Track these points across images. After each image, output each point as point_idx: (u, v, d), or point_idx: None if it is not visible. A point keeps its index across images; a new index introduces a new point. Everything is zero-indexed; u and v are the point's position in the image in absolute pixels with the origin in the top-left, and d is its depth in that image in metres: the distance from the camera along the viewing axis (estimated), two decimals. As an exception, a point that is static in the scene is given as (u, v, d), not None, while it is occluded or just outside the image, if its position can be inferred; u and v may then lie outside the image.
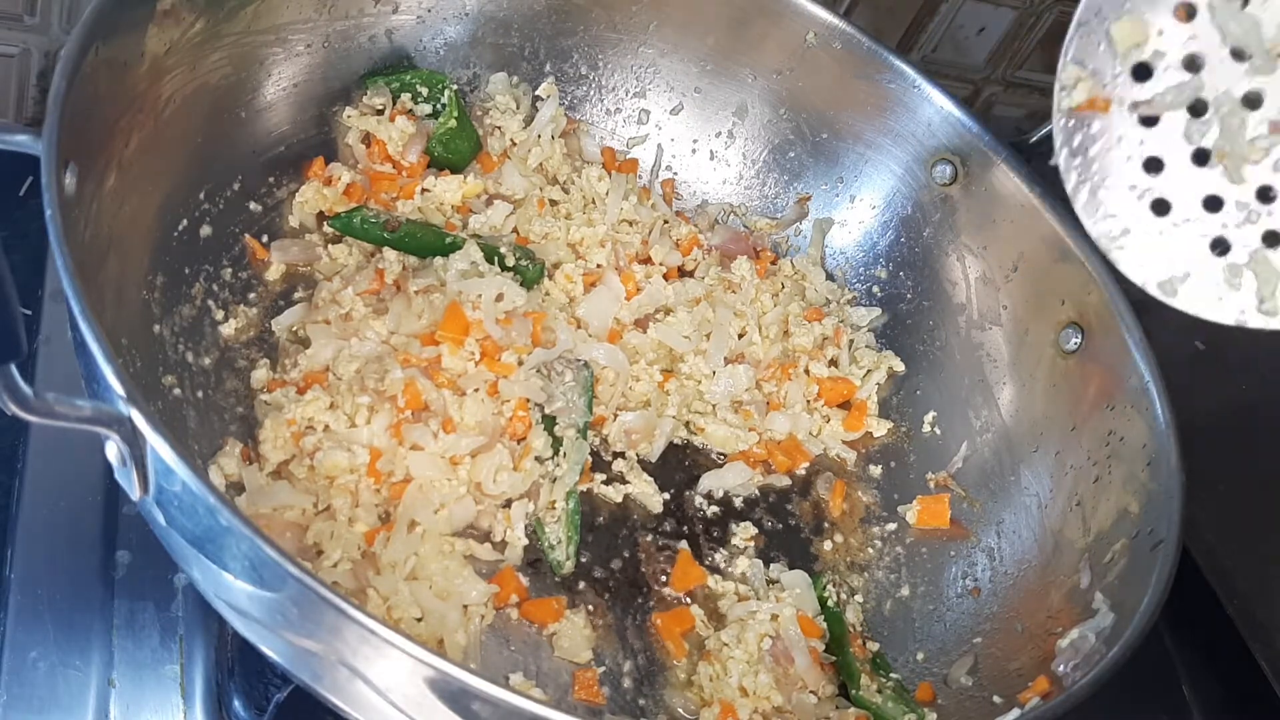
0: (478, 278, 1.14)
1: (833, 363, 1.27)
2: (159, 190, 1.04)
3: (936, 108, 1.25)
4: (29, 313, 1.15)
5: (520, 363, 1.11)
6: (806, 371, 1.26)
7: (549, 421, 1.11)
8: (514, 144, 1.29)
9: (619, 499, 1.14)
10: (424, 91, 1.24)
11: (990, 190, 1.23)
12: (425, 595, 0.98)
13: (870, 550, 1.18)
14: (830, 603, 1.11)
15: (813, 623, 1.08)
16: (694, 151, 1.36)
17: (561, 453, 1.10)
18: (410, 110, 1.24)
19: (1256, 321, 0.84)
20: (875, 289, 1.32)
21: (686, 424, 1.21)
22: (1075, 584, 1.06)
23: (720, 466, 1.19)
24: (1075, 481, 1.13)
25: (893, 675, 1.07)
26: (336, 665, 0.79)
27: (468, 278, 1.13)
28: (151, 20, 0.98)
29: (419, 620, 0.97)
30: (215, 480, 0.99)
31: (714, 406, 1.21)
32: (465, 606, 1.00)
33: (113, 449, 0.79)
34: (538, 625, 1.03)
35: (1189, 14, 0.81)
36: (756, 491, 1.19)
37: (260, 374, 1.08)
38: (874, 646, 1.10)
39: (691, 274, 1.31)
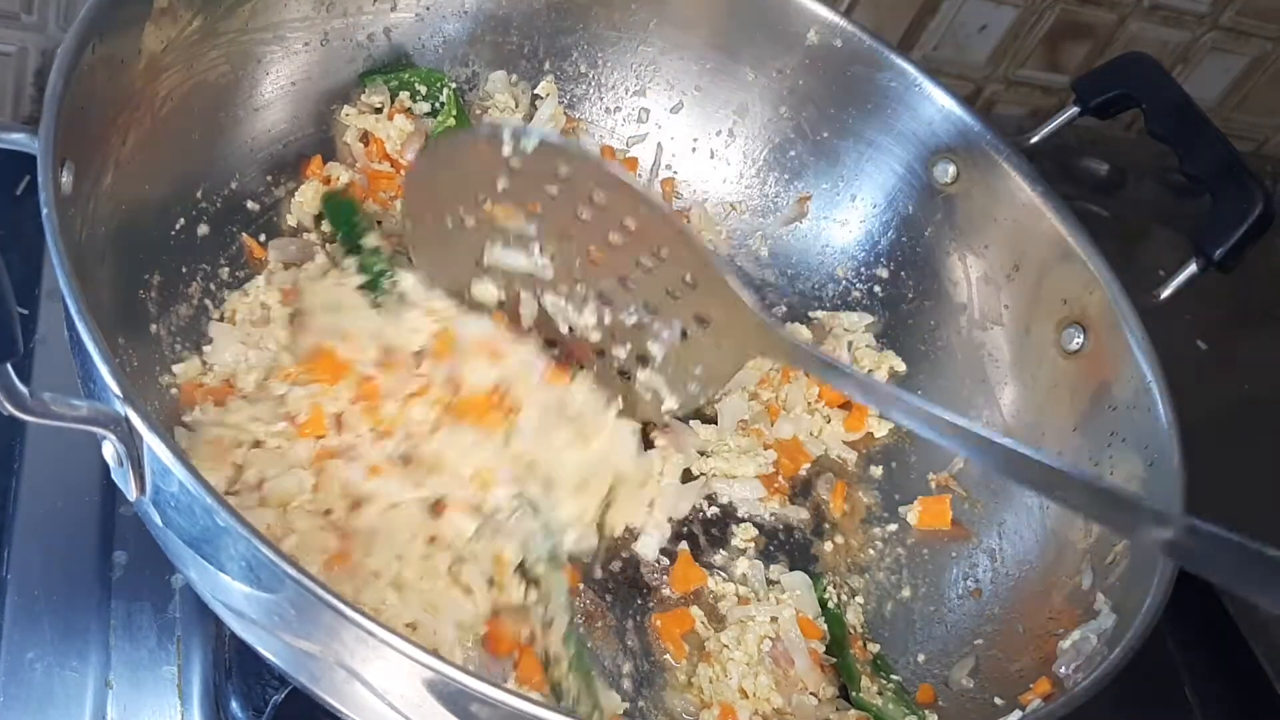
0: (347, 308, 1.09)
1: None
2: (156, 189, 1.04)
3: (938, 106, 1.25)
4: (25, 312, 1.14)
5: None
6: (806, 373, 1.26)
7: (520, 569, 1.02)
8: (513, 142, 1.29)
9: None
10: (422, 90, 1.24)
11: (992, 189, 1.22)
12: (414, 606, 0.95)
13: (871, 551, 1.18)
14: (831, 604, 1.10)
15: (813, 624, 1.08)
16: (694, 150, 1.36)
17: (542, 593, 1.01)
18: (409, 108, 1.23)
19: None
20: (876, 289, 1.31)
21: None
22: (1077, 585, 1.05)
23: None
24: (1077, 482, 1.12)
25: (893, 677, 1.06)
26: (334, 667, 0.79)
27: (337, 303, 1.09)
28: (148, 18, 0.98)
29: (412, 630, 0.95)
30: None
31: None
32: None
33: (109, 449, 0.78)
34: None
35: None
36: (764, 513, 1.17)
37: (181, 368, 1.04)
38: (875, 648, 1.09)
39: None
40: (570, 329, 1.10)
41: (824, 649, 1.07)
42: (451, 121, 1.23)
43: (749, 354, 1.08)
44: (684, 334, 1.07)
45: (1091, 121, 1.28)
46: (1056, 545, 1.11)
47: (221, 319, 1.09)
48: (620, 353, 1.10)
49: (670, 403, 1.10)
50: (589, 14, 1.29)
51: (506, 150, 1.03)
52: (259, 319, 1.08)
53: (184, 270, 1.08)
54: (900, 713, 1.02)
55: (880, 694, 1.04)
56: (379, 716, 0.80)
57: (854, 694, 1.04)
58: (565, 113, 1.32)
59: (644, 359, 1.09)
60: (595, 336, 1.10)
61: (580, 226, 1.06)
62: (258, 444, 1.00)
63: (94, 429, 0.76)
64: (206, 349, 1.06)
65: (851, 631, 1.09)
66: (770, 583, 1.11)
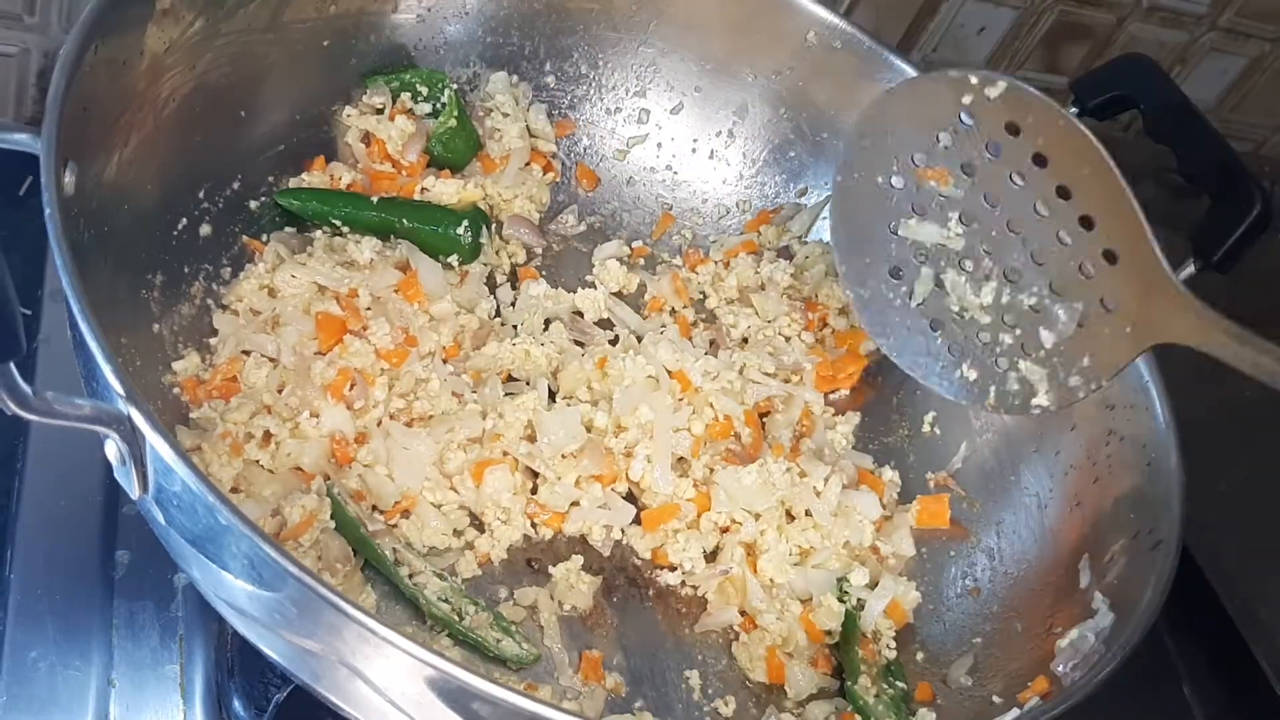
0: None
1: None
2: (158, 189, 1.04)
3: (937, 107, 1.25)
4: (28, 312, 1.15)
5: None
6: (824, 323, 1.29)
7: None
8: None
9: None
10: (424, 90, 1.24)
11: (991, 190, 1.22)
12: None
13: (870, 550, 1.18)
14: (850, 604, 1.10)
15: (815, 626, 1.09)
16: (694, 151, 1.36)
17: None
18: (410, 109, 1.23)
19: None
20: (876, 288, 1.32)
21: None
22: (1075, 584, 1.06)
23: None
24: (1075, 481, 1.13)
25: (899, 684, 1.06)
26: (336, 665, 0.79)
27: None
28: (151, 19, 0.98)
29: None
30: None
31: None
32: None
33: (112, 448, 0.79)
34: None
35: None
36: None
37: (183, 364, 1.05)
38: (890, 654, 1.09)
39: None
40: (959, 312, 1.08)
41: (833, 642, 1.09)
42: (453, 122, 1.23)
43: (1153, 339, 1.00)
44: (1081, 321, 1.03)
45: (1091, 122, 1.28)
46: (1055, 544, 1.11)
47: (225, 310, 1.10)
48: (1007, 338, 1.06)
49: (1045, 399, 1.05)
50: (589, 15, 1.29)
51: (968, 98, 1.02)
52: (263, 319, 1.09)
53: (186, 270, 1.08)
54: (888, 717, 1.02)
55: (878, 695, 1.04)
56: (381, 714, 0.81)
57: (849, 684, 1.04)
58: (566, 113, 1.32)
59: (1026, 348, 1.06)
60: (985, 319, 1.07)
61: (1009, 192, 1.04)
62: (267, 438, 1.02)
63: (97, 428, 0.77)
64: (211, 341, 1.07)
65: (865, 634, 1.09)
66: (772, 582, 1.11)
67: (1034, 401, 1.05)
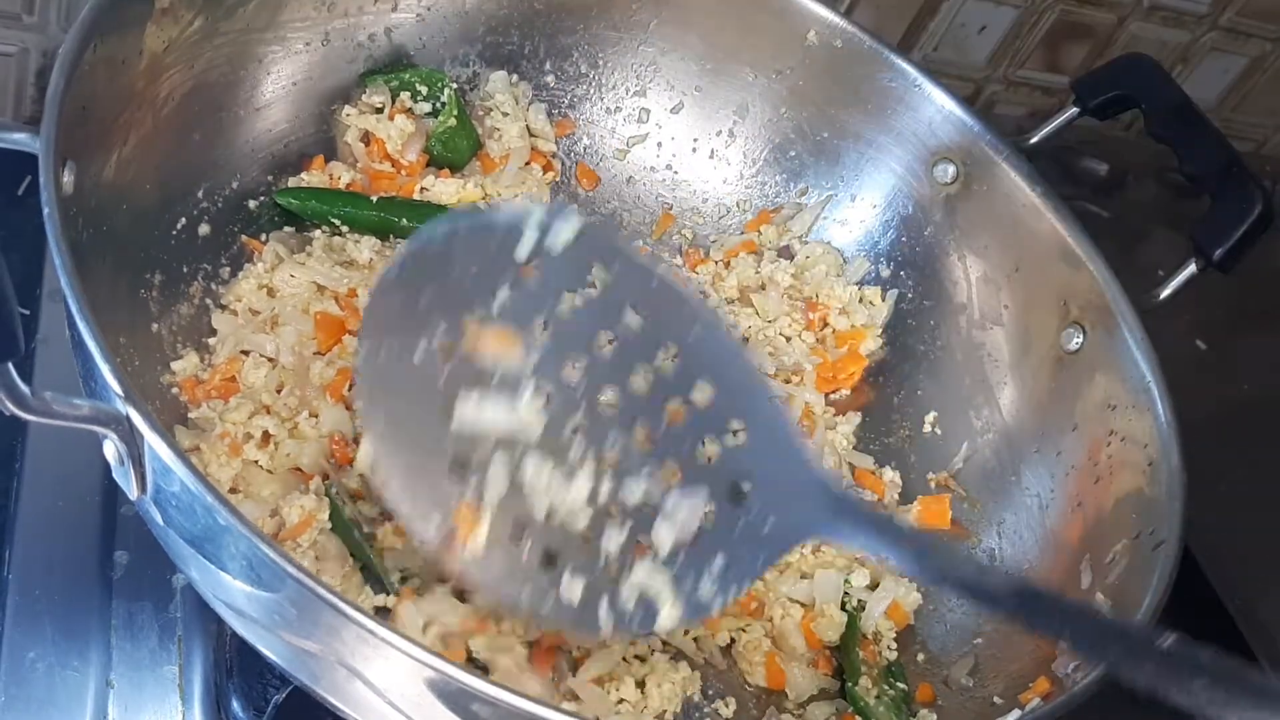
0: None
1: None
2: (157, 188, 1.04)
3: (938, 107, 1.25)
4: (27, 312, 1.14)
5: None
6: (825, 323, 1.28)
7: None
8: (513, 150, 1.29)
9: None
10: (423, 90, 1.24)
11: (992, 189, 1.22)
12: None
13: (871, 551, 1.18)
14: (850, 605, 1.10)
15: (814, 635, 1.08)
16: (694, 150, 1.36)
17: None
18: (409, 109, 1.23)
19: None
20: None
21: None
22: (1076, 585, 1.05)
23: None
24: (1076, 482, 1.12)
25: (900, 686, 1.06)
26: (335, 666, 0.79)
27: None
28: (150, 18, 0.98)
29: None
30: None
31: None
32: None
33: (110, 448, 0.79)
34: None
35: None
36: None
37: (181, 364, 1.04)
38: (891, 655, 1.09)
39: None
40: (549, 514, 0.85)
41: (836, 643, 1.08)
42: (452, 122, 1.23)
43: (799, 538, 0.84)
44: (708, 512, 0.84)
45: (1091, 121, 1.28)
46: (1055, 545, 1.11)
47: (224, 310, 1.09)
48: (614, 542, 0.84)
49: (669, 613, 0.84)
50: (589, 14, 1.29)
51: (525, 249, 0.82)
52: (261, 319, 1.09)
53: (185, 270, 1.08)
54: (888, 717, 1.02)
55: (879, 696, 1.04)
56: (380, 715, 0.81)
57: (849, 685, 1.04)
58: (566, 112, 1.32)
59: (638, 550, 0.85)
60: (581, 522, 0.84)
61: (598, 360, 0.84)
62: (266, 438, 1.01)
63: (95, 428, 0.77)
64: (210, 341, 1.07)
65: (866, 637, 1.09)
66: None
67: (660, 618, 0.83)
